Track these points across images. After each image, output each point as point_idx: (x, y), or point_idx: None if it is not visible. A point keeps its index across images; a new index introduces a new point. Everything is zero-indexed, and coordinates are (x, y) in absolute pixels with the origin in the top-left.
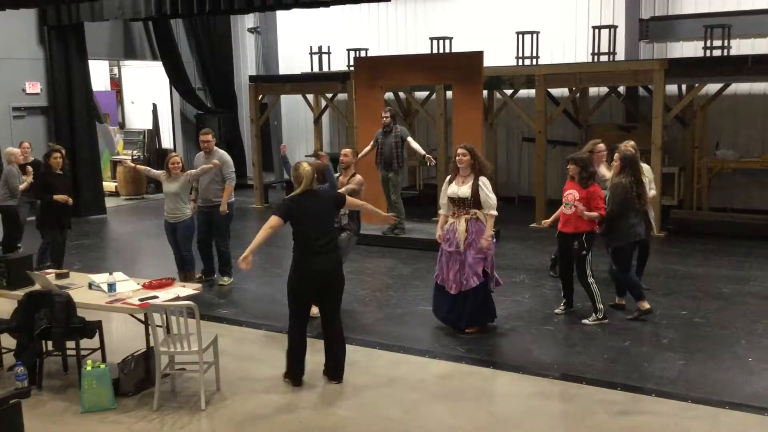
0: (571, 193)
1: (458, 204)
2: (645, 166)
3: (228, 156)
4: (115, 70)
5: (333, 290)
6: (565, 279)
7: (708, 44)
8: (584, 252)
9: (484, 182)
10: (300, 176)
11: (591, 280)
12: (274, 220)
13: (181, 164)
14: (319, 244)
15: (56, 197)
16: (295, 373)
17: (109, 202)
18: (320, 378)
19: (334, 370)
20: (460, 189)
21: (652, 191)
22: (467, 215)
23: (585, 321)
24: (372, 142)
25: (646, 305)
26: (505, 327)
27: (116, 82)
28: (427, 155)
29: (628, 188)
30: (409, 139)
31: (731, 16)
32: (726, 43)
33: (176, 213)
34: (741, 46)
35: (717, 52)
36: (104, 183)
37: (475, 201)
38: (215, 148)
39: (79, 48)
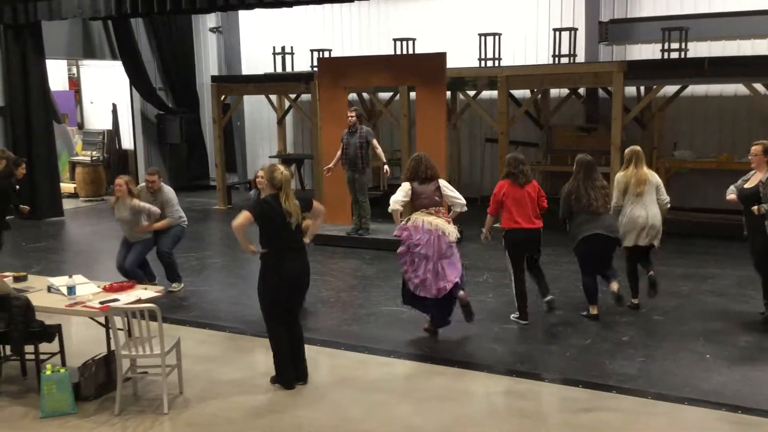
0: None
1: None
2: (648, 171)
3: (173, 195)
4: (74, 70)
5: (303, 292)
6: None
7: (666, 47)
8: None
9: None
10: (276, 180)
11: (511, 278)
12: (246, 214)
13: (125, 187)
14: (293, 247)
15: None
16: (290, 378)
17: (68, 204)
18: None
19: (299, 371)
20: None
21: (663, 197)
22: None
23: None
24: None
25: (594, 311)
26: (470, 326)
27: (75, 82)
28: (386, 165)
29: (570, 191)
30: (375, 142)
31: (688, 19)
32: (683, 46)
33: (135, 236)
34: (698, 49)
35: (674, 55)
36: (63, 184)
37: None
38: (162, 186)
39: (36, 47)
